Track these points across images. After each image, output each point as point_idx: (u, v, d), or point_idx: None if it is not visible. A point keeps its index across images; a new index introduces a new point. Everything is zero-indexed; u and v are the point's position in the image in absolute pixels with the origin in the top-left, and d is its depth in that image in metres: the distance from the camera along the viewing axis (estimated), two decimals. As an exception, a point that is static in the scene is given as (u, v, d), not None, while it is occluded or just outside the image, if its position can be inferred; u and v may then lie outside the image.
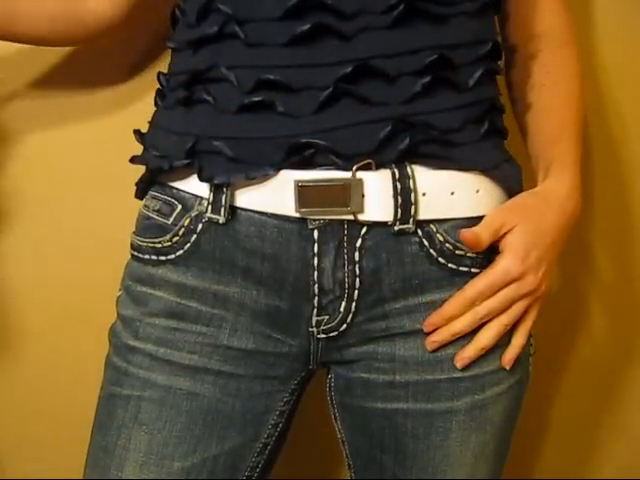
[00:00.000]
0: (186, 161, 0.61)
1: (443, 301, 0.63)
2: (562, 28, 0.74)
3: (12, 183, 0.93)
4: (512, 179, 0.67)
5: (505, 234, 0.63)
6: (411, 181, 0.60)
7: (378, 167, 0.60)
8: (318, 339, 0.65)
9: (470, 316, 0.63)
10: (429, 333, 0.63)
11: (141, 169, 0.68)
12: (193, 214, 0.63)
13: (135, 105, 0.90)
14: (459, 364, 0.64)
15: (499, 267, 0.62)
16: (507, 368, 0.65)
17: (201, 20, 0.62)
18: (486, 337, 0.63)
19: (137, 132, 0.70)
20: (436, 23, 0.61)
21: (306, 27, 0.57)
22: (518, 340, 0.66)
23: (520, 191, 0.67)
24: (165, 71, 0.70)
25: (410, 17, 0.59)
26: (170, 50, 0.69)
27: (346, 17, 0.58)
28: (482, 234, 0.62)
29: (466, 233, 0.61)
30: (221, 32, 0.60)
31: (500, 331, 0.64)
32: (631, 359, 1.08)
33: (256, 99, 0.59)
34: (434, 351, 0.64)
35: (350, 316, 0.63)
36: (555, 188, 0.67)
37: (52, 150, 0.92)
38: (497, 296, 0.62)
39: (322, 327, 0.64)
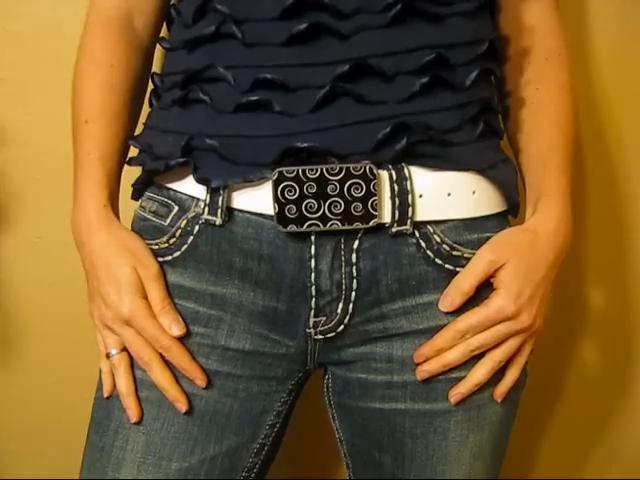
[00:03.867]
0: (181, 159, 0.61)
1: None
2: (552, 36, 0.72)
3: (12, 183, 0.93)
4: (508, 179, 0.67)
5: (498, 270, 0.63)
6: (408, 183, 0.60)
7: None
8: (315, 340, 0.65)
9: (462, 347, 0.63)
10: (419, 363, 0.64)
11: (138, 170, 0.68)
12: (190, 215, 0.63)
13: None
14: (453, 400, 0.64)
15: (493, 305, 0.62)
16: (499, 401, 0.66)
17: (197, 20, 0.62)
18: (479, 374, 0.63)
19: (132, 137, 0.70)
20: (433, 23, 0.61)
21: (303, 26, 0.57)
22: (511, 375, 0.66)
23: (516, 192, 0.67)
24: (158, 71, 0.70)
25: (407, 16, 0.59)
26: (163, 51, 0.69)
27: (343, 16, 0.58)
28: (464, 284, 0.62)
29: (445, 299, 0.63)
30: (218, 32, 0.60)
31: (494, 368, 0.64)
32: (631, 357, 1.08)
33: (253, 98, 0.59)
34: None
35: (347, 317, 0.63)
36: (544, 223, 0.66)
37: (52, 150, 0.92)
38: (490, 331, 0.62)
39: (319, 328, 0.64)
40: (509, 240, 0.64)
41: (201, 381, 0.63)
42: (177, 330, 0.62)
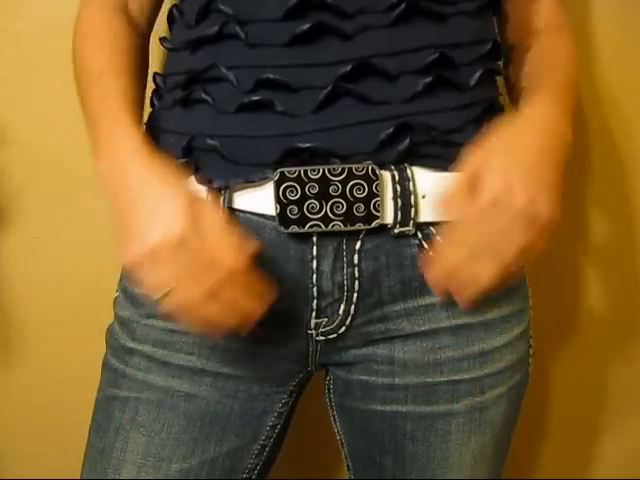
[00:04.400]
0: (183, 159, 0.61)
1: (442, 304, 0.63)
2: (559, 25, 0.73)
3: (12, 183, 0.93)
4: None
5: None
6: (411, 183, 0.60)
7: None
8: (317, 341, 0.65)
9: (464, 251, 0.57)
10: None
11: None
12: None
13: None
14: (464, 306, 0.60)
15: (482, 190, 0.55)
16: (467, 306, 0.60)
17: (200, 20, 0.62)
18: (481, 273, 0.57)
19: None
20: (437, 22, 0.60)
21: (306, 26, 0.57)
22: (511, 272, 0.58)
23: None
24: (159, 71, 0.69)
25: (411, 16, 0.59)
26: (165, 51, 0.69)
27: (347, 16, 0.58)
28: (454, 196, 0.57)
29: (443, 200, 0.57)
30: (221, 32, 0.60)
31: (497, 264, 0.56)
32: (631, 359, 1.08)
33: (255, 98, 0.59)
34: (434, 354, 0.63)
35: (349, 319, 0.63)
36: (529, 112, 0.61)
37: (51, 151, 0.92)
38: (486, 223, 0.55)
39: (321, 329, 0.64)
40: (492, 144, 0.59)
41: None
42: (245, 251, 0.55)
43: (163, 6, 0.73)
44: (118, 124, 0.60)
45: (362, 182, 0.58)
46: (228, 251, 0.54)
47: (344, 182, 0.58)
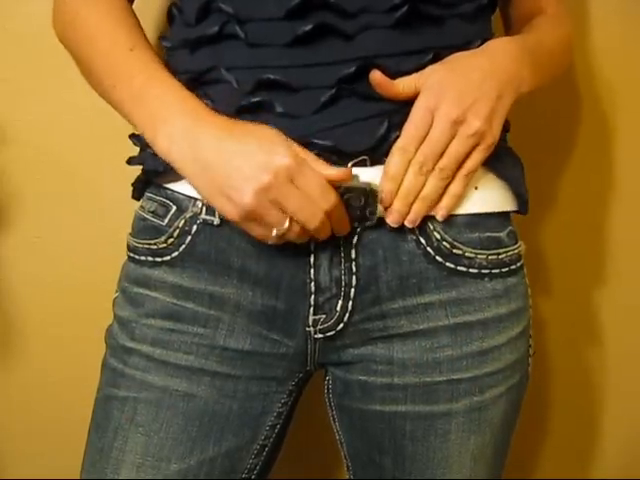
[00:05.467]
0: None
1: (441, 302, 0.63)
2: (561, 18, 0.74)
3: (12, 183, 0.93)
4: (513, 174, 0.66)
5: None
6: None
7: (373, 163, 0.59)
8: (315, 339, 0.65)
9: (410, 170, 0.58)
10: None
11: (138, 170, 0.68)
12: (187, 215, 0.62)
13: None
14: (408, 222, 0.60)
15: (414, 106, 0.58)
16: (439, 219, 0.61)
17: (201, 19, 0.62)
18: (425, 187, 0.59)
19: (133, 136, 0.69)
20: (435, 24, 0.61)
21: (308, 27, 0.57)
22: (454, 188, 0.60)
23: (523, 187, 0.67)
24: None
25: (411, 18, 0.59)
26: (165, 48, 0.68)
27: (349, 16, 0.58)
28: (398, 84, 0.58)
29: (373, 75, 0.57)
30: (221, 32, 0.60)
31: (441, 177, 0.59)
32: (632, 357, 1.08)
33: (255, 100, 0.59)
34: (432, 353, 0.63)
35: (347, 315, 0.63)
36: (494, 42, 0.63)
37: (51, 151, 0.92)
38: (427, 138, 0.58)
39: (319, 326, 0.63)
40: (441, 63, 0.60)
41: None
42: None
43: (163, 4, 0.72)
44: (171, 88, 0.60)
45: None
46: (326, 186, 0.56)
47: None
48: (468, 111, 0.58)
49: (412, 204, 0.60)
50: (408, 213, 0.60)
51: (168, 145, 0.58)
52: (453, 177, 0.60)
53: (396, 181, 0.59)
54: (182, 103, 0.59)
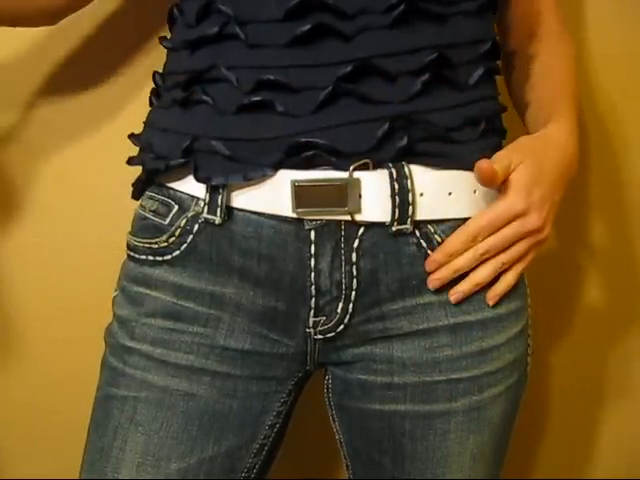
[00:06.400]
0: (182, 160, 0.61)
1: (441, 303, 0.63)
2: (560, 30, 0.76)
3: (12, 184, 0.93)
4: None
5: (512, 172, 0.62)
6: (409, 181, 0.59)
7: (375, 167, 0.59)
8: (315, 340, 0.65)
9: (472, 252, 0.61)
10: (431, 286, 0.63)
11: (138, 169, 0.68)
12: (189, 215, 0.63)
13: (132, 105, 0.90)
14: (453, 298, 0.63)
15: (502, 202, 0.61)
16: (490, 304, 0.64)
17: (201, 20, 0.62)
18: (482, 273, 0.62)
19: (132, 135, 0.69)
20: (436, 22, 0.61)
21: (306, 27, 0.57)
22: (509, 278, 0.64)
23: None
24: (158, 70, 0.69)
25: (410, 16, 0.59)
26: (165, 49, 0.69)
27: (347, 17, 0.58)
28: (497, 168, 0.60)
29: (483, 164, 0.59)
30: (221, 33, 0.60)
31: (496, 268, 0.62)
32: (631, 358, 1.08)
33: (255, 99, 0.59)
34: (432, 352, 0.63)
35: (347, 317, 0.63)
36: (555, 132, 0.67)
37: (50, 151, 0.92)
38: (499, 233, 0.61)
39: (319, 328, 0.64)
40: (522, 144, 0.65)
41: None
42: None
43: (164, 5, 0.72)
44: None
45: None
46: None
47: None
48: (546, 221, 0.63)
49: (454, 277, 0.62)
50: (447, 279, 0.62)
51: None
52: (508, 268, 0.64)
53: (450, 258, 0.61)
54: None
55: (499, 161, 0.61)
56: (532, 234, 0.62)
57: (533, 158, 0.63)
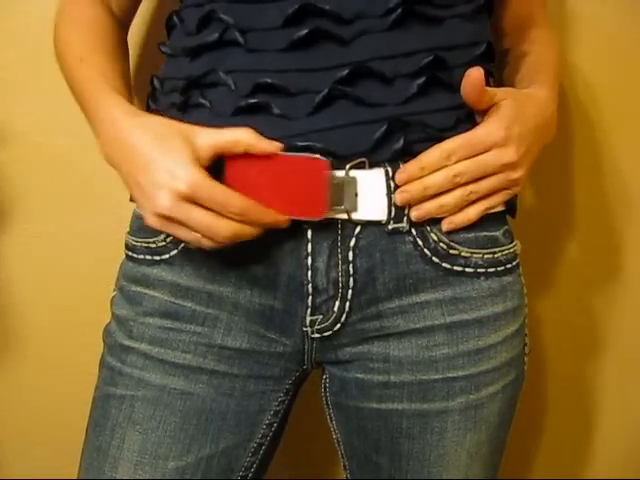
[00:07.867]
0: None
1: (437, 301, 0.63)
2: (548, 30, 0.79)
3: (12, 183, 0.93)
4: None
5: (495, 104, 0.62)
6: None
7: (372, 166, 0.60)
8: (312, 339, 0.65)
9: (444, 172, 0.60)
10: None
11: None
12: None
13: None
14: (414, 214, 0.60)
15: (482, 128, 0.61)
16: (443, 229, 0.62)
17: (201, 28, 0.63)
18: (448, 197, 0.60)
19: None
20: (432, 25, 0.61)
21: (304, 32, 0.58)
22: (471, 211, 0.62)
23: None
24: (156, 74, 0.70)
25: (407, 20, 0.60)
26: (162, 54, 0.69)
27: (344, 22, 0.59)
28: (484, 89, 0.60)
29: (474, 71, 0.58)
30: (221, 39, 0.61)
31: (463, 196, 0.61)
32: (630, 359, 1.08)
33: (252, 101, 0.59)
34: (429, 351, 0.63)
35: (344, 316, 0.63)
36: (534, 92, 0.67)
37: (50, 151, 0.93)
38: (475, 158, 0.60)
39: (316, 327, 0.64)
40: (507, 89, 0.65)
41: (284, 223, 0.59)
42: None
43: (161, 11, 0.73)
44: (101, 94, 0.63)
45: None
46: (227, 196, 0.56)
47: None
48: (521, 161, 0.62)
49: (423, 199, 0.60)
50: (415, 202, 0.60)
51: (101, 149, 0.62)
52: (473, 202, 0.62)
53: (423, 171, 0.59)
54: (115, 106, 0.62)
55: (486, 89, 0.60)
56: (506, 169, 0.61)
57: (516, 102, 0.62)
